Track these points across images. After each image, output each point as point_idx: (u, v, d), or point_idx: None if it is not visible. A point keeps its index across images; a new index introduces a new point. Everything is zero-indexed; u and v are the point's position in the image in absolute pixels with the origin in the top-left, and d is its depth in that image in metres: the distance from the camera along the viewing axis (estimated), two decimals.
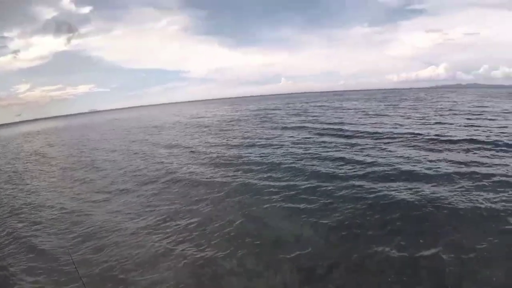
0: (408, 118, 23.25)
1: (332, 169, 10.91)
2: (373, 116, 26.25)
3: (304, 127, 21.74)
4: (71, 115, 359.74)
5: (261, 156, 13.82)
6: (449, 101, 41.77)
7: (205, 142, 18.98)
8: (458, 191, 8.14)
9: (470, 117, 22.22)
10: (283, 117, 31.78)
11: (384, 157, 11.91)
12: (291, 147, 15.32)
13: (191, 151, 16.69)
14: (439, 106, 32.58)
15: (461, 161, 10.66)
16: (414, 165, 10.56)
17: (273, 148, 15.28)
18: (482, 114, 23.30)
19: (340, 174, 10.32)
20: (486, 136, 14.31)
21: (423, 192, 8.22)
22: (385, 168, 10.42)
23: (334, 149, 14.04)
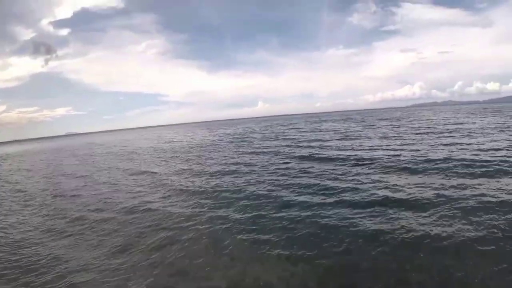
0: (385, 139, 23.14)
1: (307, 196, 10.21)
2: (349, 138, 26.03)
3: (278, 152, 21.12)
4: (48, 137, 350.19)
5: (232, 183, 12.92)
6: (425, 120, 42.76)
7: (176, 169, 17.93)
8: (435, 217, 7.61)
9: (447, 135, 22.34)
10: (258, 141, 31.15)
11: (361, 183, 11.30)
12: (265, 173, 14.51)
13: (159, 178, 15.68)
14: (416, 125, 33.05)
15: (438, 185, 10.21)
16: (391, 191, 9.99)
17: (246, 175, 14.38)
18: (459, 131, 23.71)
19: (315, 202, 9.58)
20: (463, 156, 14.05)
21: (399, 220, 7.67)
22: (361, 195, 9.81)
23: (309, 175, 13.33)
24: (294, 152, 20.04)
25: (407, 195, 9.41)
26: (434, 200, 8.69)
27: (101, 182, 16.36)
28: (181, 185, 13.48)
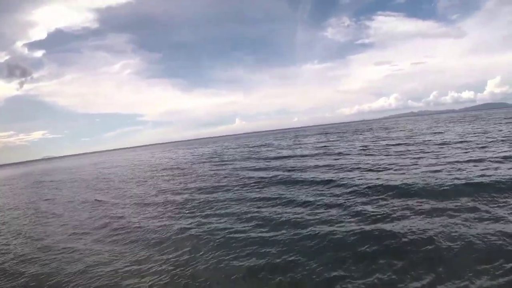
0: (366, 155, 22.05)
1: (281, 216, 8.94)
2: (325, 154, 24.78)
3: (254, 169, 19.75)
4: (24, 162, 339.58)
5: (208, 203, 11.59)
6: (402, 130, 42.41)
7: (144, 193, 16.28)
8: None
9: (423, 148, 21.15)
10: (234, 159, 29.58)
11: (337, 203, 9.90)
12: (238, 192, 13.14)
13: (135, 202, 14.04)
14: (394, 135, 32.48)
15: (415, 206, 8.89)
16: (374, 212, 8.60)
17: (219, 194, 13.13)
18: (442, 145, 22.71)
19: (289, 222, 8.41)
20: (442, 170, 12.93)
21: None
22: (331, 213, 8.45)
23: (285, 195, 11.88)
24: (268, 170, 18.62)
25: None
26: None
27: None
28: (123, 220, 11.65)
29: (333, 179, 13.73)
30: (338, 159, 20.34)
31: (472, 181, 10.45)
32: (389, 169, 14.86)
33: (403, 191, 10.43)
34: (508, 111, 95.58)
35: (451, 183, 10.53)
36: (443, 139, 24.76)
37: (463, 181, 10.52)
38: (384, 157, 18.91)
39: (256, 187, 14.35)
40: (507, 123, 36.87)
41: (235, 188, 14.45)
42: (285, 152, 29.87)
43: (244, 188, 14.28)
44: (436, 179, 11.40)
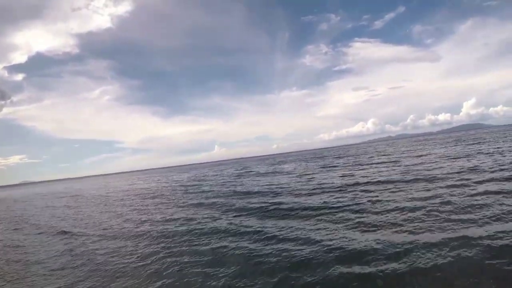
0: (340, 178, 22.40)
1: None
2: (303, 182, 25.02)
3: (229, 199, 19.66)
4: (1, 186, 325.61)
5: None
6: (382, 154, 43.34)
7: (111, 222, 15.85)
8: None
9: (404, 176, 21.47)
10: (210, 188, 29.39)
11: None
12: (210, 227, 12.85)
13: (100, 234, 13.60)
14: (375, 161, 33.11)
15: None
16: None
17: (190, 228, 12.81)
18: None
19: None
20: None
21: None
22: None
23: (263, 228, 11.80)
24: (245, 201, 18.59)
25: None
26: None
27: None
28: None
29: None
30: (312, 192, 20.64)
31: None
32: None
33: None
34: (487, 131, 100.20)
35: None
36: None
37: None
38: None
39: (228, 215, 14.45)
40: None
41: (203, 219, 14.42)
42: (258, 181, 30.02)
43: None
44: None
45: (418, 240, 8.23)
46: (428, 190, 14.50)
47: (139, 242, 11.77)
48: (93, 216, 19.58)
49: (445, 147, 45.46)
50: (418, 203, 12.02)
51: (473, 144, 44.11)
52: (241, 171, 49.21)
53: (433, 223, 9.50)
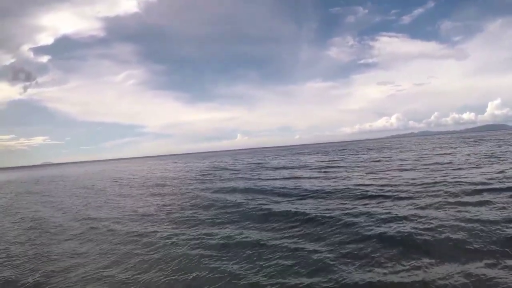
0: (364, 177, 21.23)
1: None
2: (327, 174, 24.00)
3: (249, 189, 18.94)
4: (23, 167, 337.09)
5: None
6: (408, 150, 41.43)
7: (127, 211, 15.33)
8: None
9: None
10: (229, 176, 28.76)
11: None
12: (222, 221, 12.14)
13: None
14: (402, 157, 31.61)
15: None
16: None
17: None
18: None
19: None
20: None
21: None
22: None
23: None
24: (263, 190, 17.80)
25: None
26: None
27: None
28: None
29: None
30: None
31: None
32: None
33: None
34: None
35: None
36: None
37: None
38: None
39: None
40: None
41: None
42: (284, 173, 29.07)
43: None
44: None
45: None
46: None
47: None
48: (117, 201, 19.21)
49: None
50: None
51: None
52: (261, 162, 48.28)
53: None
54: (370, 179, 19.26)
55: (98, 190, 26.14)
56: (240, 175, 28.42)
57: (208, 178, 28.76)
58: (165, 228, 11.63)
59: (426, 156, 33.02)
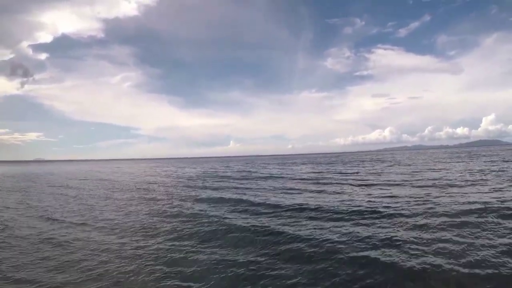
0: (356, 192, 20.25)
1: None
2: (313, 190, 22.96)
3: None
4: (16, 161, 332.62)
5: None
6: (403, 165, 40.59)
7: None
8: None
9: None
10: (214, 185, 27.63)
11: None
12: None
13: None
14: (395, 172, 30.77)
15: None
16: None
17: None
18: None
19: None
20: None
21: None
22: None
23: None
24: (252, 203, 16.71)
25: None
26: None
27: None
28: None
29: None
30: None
31: None
32: None
33: None
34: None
35: None
36: None
37: None
38: None
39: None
40: None
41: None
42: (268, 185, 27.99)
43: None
44: None
45: None
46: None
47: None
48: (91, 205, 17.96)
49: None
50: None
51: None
52: (254, 171, 47.21)
53: None
54: (360, 194, 18.27)
55: (77, 191, 24.79)
56: (226, 184, 27.23)
57: (193, 184, 27.58)
58: (118, 237, 10.60)
59: (420, 171, 32.17)
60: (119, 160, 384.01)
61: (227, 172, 44.24)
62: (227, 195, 19.42)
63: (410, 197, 15.90)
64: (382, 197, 16.50)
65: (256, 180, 29.29)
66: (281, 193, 19.79)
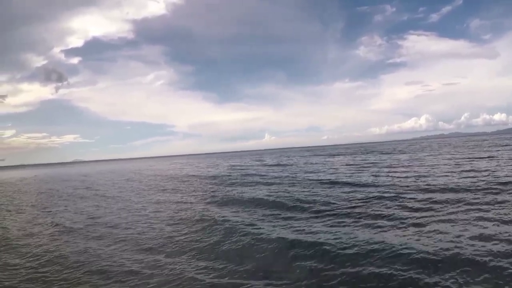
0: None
1: None
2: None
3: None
4: (55, 163, 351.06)
5: None
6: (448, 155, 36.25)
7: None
8: None
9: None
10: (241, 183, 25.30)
11: None
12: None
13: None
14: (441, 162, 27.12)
15: None
16: None
17: None
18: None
19: None
20: None
21: None
22: None
23: None
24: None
25: None
26: None
27: None
28: None
29: None
30: None
31: None
32: None
33: None
34: None
35: None
36: None
37: None
38: None
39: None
40: None
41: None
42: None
43: None
44: None
45: None
46: None
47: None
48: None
49: None
50: None
51: None
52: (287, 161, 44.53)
53: None
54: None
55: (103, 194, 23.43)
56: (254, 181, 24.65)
57: (217, 185, 25.12)
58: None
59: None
60: (155, 157, 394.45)
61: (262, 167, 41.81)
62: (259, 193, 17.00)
63: None
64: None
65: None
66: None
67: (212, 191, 19.77)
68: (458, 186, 14.72)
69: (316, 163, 39.28)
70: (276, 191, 17.59)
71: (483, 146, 49.23)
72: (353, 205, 12.57)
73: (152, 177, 36.99)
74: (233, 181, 24.82)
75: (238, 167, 42.29)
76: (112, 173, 52.52)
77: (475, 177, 16.86)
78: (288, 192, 16.70)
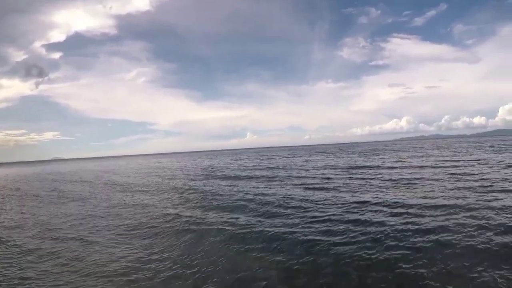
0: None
1: None
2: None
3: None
4: (33, 161, 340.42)
5: None
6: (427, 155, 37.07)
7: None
8: None
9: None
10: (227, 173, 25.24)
11: None
12: None
13: None
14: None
15: None
16: None
17: None
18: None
19: None
20: None
21: None
22: None
23: None
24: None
25: None
26: None
27: None
28: None
29: None
30: None
31: None
32: None
33: None
34: None
35: None
36: None
37: None
38: None
39: None
40: None
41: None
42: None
43: None
44: None
45: None
46: None
47: None
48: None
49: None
50: None
51: None
52: (265, 160, 44.76)
53: None
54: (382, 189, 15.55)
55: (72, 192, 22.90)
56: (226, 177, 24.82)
57: (193, 183, 25.19)
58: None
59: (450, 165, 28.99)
60: (136, 155, 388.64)
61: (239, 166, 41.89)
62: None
63: None
64: None
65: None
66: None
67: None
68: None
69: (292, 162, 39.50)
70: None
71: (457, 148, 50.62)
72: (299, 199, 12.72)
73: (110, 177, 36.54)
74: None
75: (211, 167, 42.35)
76: (77, 173, 51.43)
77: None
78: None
